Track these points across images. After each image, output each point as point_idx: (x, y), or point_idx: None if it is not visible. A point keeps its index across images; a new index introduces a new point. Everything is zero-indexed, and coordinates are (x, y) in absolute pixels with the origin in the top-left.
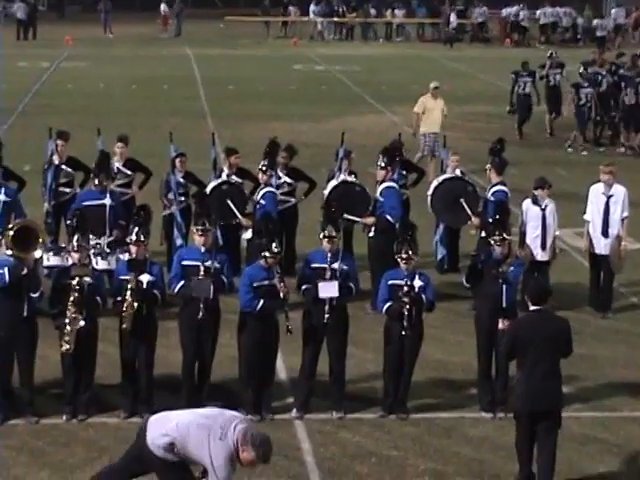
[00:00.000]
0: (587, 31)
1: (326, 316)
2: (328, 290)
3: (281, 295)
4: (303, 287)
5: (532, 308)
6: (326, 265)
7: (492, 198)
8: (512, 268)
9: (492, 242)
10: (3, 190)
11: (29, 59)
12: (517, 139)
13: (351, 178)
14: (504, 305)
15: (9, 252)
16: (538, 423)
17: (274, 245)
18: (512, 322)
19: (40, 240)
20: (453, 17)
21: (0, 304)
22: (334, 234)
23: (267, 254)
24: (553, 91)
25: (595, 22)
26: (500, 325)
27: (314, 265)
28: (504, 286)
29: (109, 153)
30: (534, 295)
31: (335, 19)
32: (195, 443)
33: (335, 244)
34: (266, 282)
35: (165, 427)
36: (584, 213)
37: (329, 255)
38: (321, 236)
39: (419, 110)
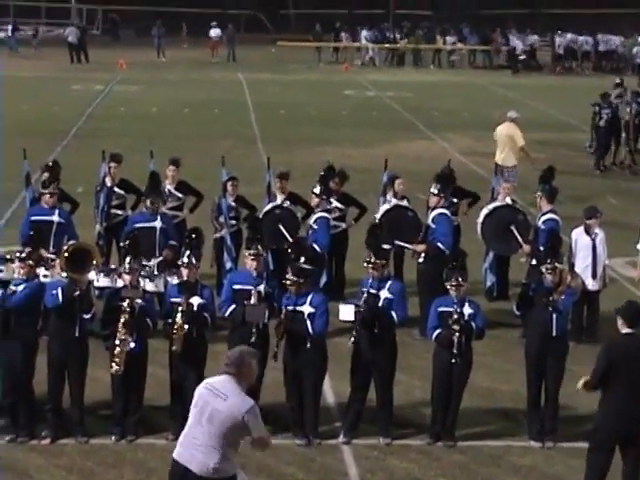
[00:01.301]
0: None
1: (352, 339)
2: (345, 314)
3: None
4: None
5: (625, 331)
6: (373, 290)
7: (543, 226)
8: (563, 297)
9: (543, 270)
10: (57, 212)
11: (83, 82)
12: (594, 171)
13: (404, 203)
14: (554, 334)
15: (63, 273)
16: (626, 450)
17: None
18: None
19: (94, 262)
20: (519, 44)
21: (53, 324)
22: (374, 260)
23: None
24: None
25: (635, 50)
26: None
27: (364, 289)
28: (554, 315)
29: (159, 174)
30: (629, 317)
31: (386, 45)
32: (229, 425)
33: (380, 270)
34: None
35: (206, 445)
36: (637, 242)
37: (370, 281)
38: (364, 263)
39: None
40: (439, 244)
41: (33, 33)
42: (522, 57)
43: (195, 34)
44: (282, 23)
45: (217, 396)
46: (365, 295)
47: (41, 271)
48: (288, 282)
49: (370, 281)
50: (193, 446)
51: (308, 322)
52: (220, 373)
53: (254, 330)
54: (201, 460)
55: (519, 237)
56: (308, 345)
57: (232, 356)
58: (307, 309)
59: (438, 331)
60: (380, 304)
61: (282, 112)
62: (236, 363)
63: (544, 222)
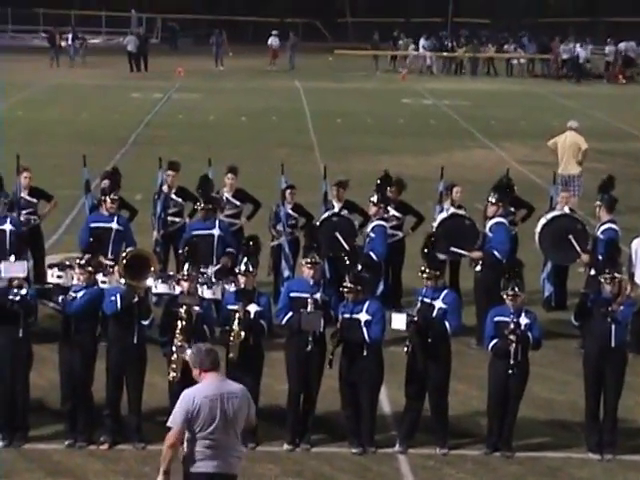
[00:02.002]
0: None
1: (405, 349)
2: (396, 322)
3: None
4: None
5: None
6: (428, 299)
7: (602, 236)
8: (622, 307)
9: (602, 280)
10: (116, 219)
11: (142, 90)
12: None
13: (461, 212)
14: (613, 345)
15: (121, 280)
16: None
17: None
18: None
19: (152, 269)
20: (582, 52)
21: (111, 331)
22: (428, 270)
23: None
24: None
25: None
26: None
27: (420, 297)
28: (613, 325)
29: (209, 177)
30: None
31: (444, 54)
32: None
33: (434, 280)
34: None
35: (237, 447)
36: None
37: (425, 290)
38: (419, 273)
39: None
40: (495, 252)
41: (81, 42)
42: (586, 65)
43: (254, 42)
44: (340, 31)
45: (229, 399)
46: (419, 304)
47: (99, 278)
48: (345, 289)
49: (424, 291)
50: (230, 456)
51: (365, 330)
52: (199, 378)
53: (310, 338)
54: (237, 461)
55: (577, 247)
56: (365, 353)
57: (207, 356)
58: (364, 317)
59: (494, 341)
60: (434, 314)
61: (339, 120)
62: (215, 360)
63: (603, 232)
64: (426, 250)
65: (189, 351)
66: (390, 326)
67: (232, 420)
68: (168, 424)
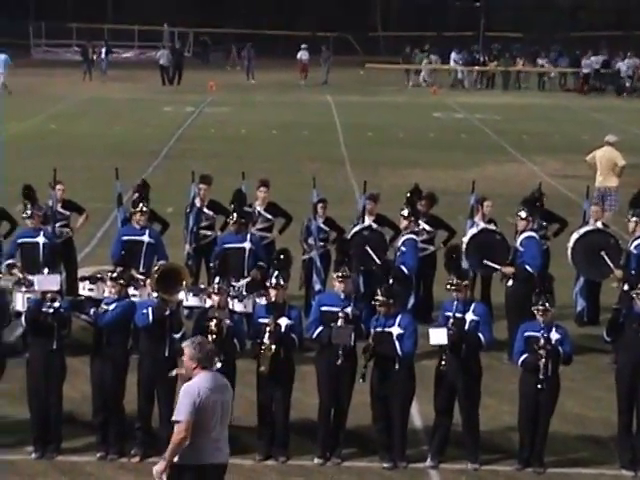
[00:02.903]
0: None
1: (442, 363)
2: (437, 337)
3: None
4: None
5: None
6: (458, 314)
7: (635, 251)
8: None
9: (635, 295)
10: (148, 232)
11: (174, 104)
12: None
13: (492, 226)
14: None
15: (154, 293)
16: None
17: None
18: None
19: (183, 282)
20: (624, 66)
21: (143, 344)
22: (457, 281)
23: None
24: None
25: None
26: None
27: (447, 313)
28: None
29: (242, 190)
30: None
31: (476, 67)
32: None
33: (463, 292)
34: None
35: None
36: None
37: (456, 304)
38: (446, 285)
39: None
40: (527, 267)
41: (105, 56)
42: (628, 80)
43: (285, 56)
44: (371, 45)
45: (224, 391)
46: (452, 319)
47: (131, 291)
48: (377, 303)
49: (455, 304)
50: (225, 446)
51: (397, 343)
52: (191, 374)
53: (341, 352)
54: (227, 451)
55: (610, 262)
56: (396, 367)
57: (210, 355)
58: (396, 330)
59: (525, 356)
60: (466, 327)
61: (370, 134)
62: (214, 360)
63: (636, 246)
64: (451, 262)
65: (218, 364)
66: (429, 342)
67: (227, 411)
68: (175, 419)
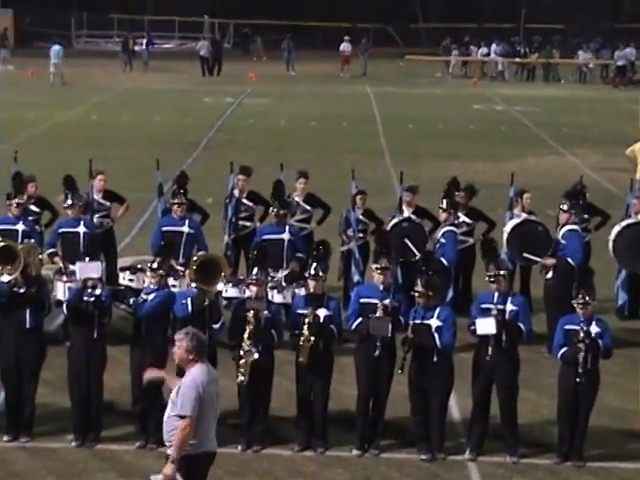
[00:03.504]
0: None
1: (489, 353)
2: (484, 327)
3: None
4: (471, 327)
5: None
6: (492, 305)
7: None
8: None
9: None
10: (187, 222)
11: (214, 95)
12: None
13: (533, 217)
14: None
15: (192, 284)
16: None
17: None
18: None
19: (222, 273)
20: None
21: None
22: (497, 272)
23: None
24: None
25: None
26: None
27: (484, 306)
28: None
29: (283, 183)
30: None
31: (517, 59)
32: None
33: (501, 284)
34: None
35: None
36: None
37: (496, 295)
38: (486, 276)
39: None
40: (569, 259)
41: (145, 47)
42: None
43: (325, 48)
44: (411, 36)
45: (216, 383)
46: (494, 310)
47: (170, 281)
48: (417, 294)
49: (495, 295)
50: (214, 435)
51: (436, 335)
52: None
53: (379, 343)
54: (214, 438)
55: None
56: (435, 359)
57: (205, 346)
58: (435, 322)
59: (564, 349)
60: (506, 318)
61: (410, 126)
62: (204, 346)
63: None
64: (488, 253)
65: (256, 355)
66: (477, 332)
67: (219, 402)
68: (184, 413)
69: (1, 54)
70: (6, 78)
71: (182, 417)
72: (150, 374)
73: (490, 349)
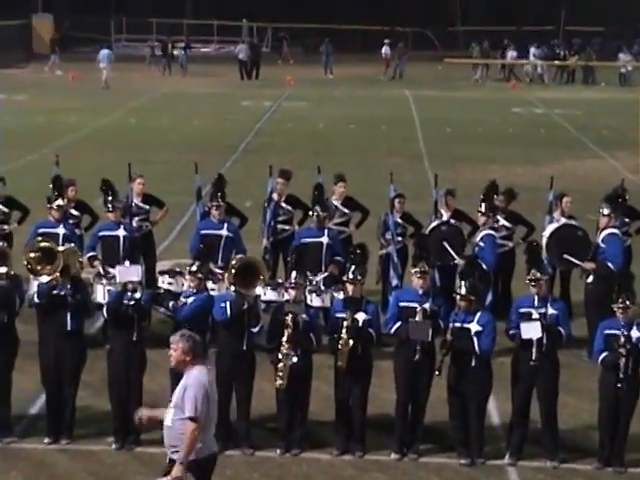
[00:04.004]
0: None
1: (533, 358)
2: (530, 331)
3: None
4: (511, 332)
5: None
6: (533, 310)
7: None
8: None
9: None
10: (226, 226)
11: (252, 98)
12: None
13: (573, 222)
14: None
15: (231, 287)
16: None
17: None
18: None
19: (261, 276)
20: None
21: (221, 337)
22: (538, 277)
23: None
24: None
25: None
26: None
27: (522, 310)
28: None
29: (323, 186)
30: None
31: (556, 62)
32: None
33: (542, 288)
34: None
35: None
36: None
37: (536, 299)
38: (527, 280)
39: None
40: (609, 264)
41: (184, 51)
42: None
43: (363, 51)
44: (449, 40)
45: (213, 385)
46: (535, 314)
47: (209, 285)
48: (459, 297)
49: (534, 299)
50: (212, 433)
51: (475, 340)
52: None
53: (418, 348)
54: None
55: None
56: (473, 364)
57: (197, 345)
58: (474, 327)
59: (604, 354)
60: (548, 321)
61: (448, 129)
62: (201, 347)
63: None
64: (533, 257)
65: (294, 359)
66: (521, 336)
67: (215, 402)
68: (194, 415)
69: (51, 59)
70: (50, 83)
71: (192, 419)
72: (144, 413)
73: (534, 353)
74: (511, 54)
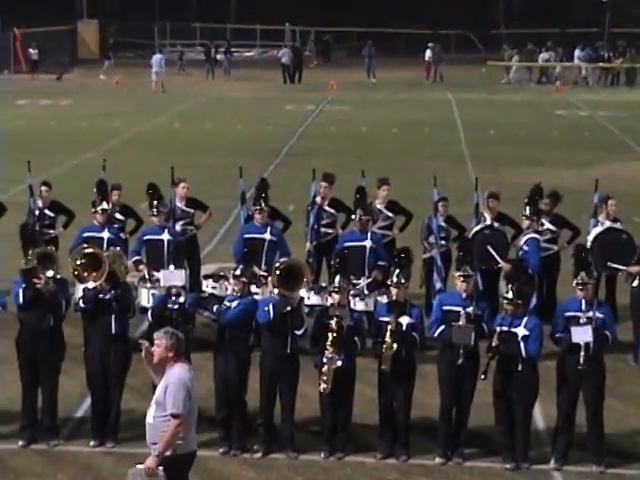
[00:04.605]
0: None
1: (581, 362)
2: (581, 335)
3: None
4: (556, 336)
5: None
6: (580, 313)
7: None
8: None
9: None
10: (269, 230)
11: (295, 102)
12: None
13: (617, 225)
14: None
15: (275, 290)
16: None
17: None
18: None
19: (304, 280)
20: None
21: (265, 340)
22: (586, 280)
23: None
24: None
25: None
26: None
27: (568, 314)
28: None
29: (365, 189)
30: None
31: (600, 64)
32: None
33: (589, 291)
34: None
35: None
36: None
37: (583, 303)
38: (573, 283)
39: None
40: None
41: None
42: None
43: (405, 54)
44: (492, 42)
45: (194, 382)
46: (583, 318)
47: (252, 288)
48: (506, 301)
49: (583, 303)
50: (194, 431)
51: (522, 344)
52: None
53: (462, 352)
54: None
55: None
56: (520, 368)
57: (183, 343)
58: (521, 331)
59: None
60: (595, 325)
61: (492, 132)
62: (182, 344)
63: None
64: (581, 261)
65: (339, 362)
66: (572, 340)
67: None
68: (176, 411)
69: (105, 64)
70: (94, 88)
71: (174, 416)
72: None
73: (582, 357)
74: (542, 56)
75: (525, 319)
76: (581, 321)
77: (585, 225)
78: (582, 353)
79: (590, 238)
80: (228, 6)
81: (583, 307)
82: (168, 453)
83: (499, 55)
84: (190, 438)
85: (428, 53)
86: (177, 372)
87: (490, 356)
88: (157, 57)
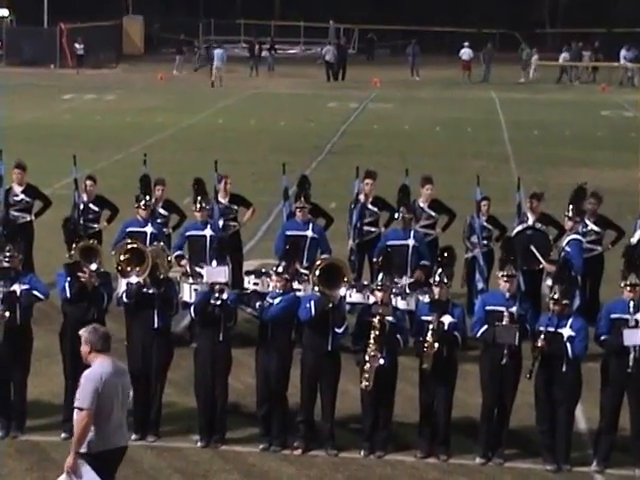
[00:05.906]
0: None
1: (630, 365)
2: (633, 338)
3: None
4: (602, 338)
5: None
6: (629, 316)
7: None
8: None
9: None
10: (311, 227)
11: (338, 100)
12: None
13: None
14: None
15: (315, 287)
16: None
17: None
18: None
19: (346, 278)
20: None
21: (306, 337)
22: (635, 282)
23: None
24: None
25: None
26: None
27: (614, 316)
28: None
29: (409, 187)
30: None
31: None
32: None
33: (637, 293)
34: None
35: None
36: None
37: (632, 305)
38: (622, 284)
39: None
40: None
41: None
42: None
43: (450, 53)
44: (537, 41)
45: (123, 376)
46: (632, 321)
47: (294, 285)
48: (552, 302)
49: (632, 305)
50: (126, 431)
51: (567, 345)
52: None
53: (505, 352)
54: (127, 432)
55: None
56: (564, 369)
57: (103, 339)
58: (567, 332)
59: None
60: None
61: (535, 132)
62: (108, 343)
63: None
64: (629, 262)
65: (381, 361)
66: (623, 342)
67: (126, 395)
68: (78, 405)
69: (177, 60)
70: (139, 83)
71: (79, 409)
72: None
73: (631, 360)
74: (564, 56)
75: (571, 320)
76: (630, 324)
77: (630, 226)
78: (632, 356)
79: (634, 240)
80: (272, 3)
81: (631, 309)
82: (83, 450)
83: (545, 55)
84: (112, 434)
85: (462, 52)
86: (94, 366)
87: (535, 356)
88: (219, 52)
